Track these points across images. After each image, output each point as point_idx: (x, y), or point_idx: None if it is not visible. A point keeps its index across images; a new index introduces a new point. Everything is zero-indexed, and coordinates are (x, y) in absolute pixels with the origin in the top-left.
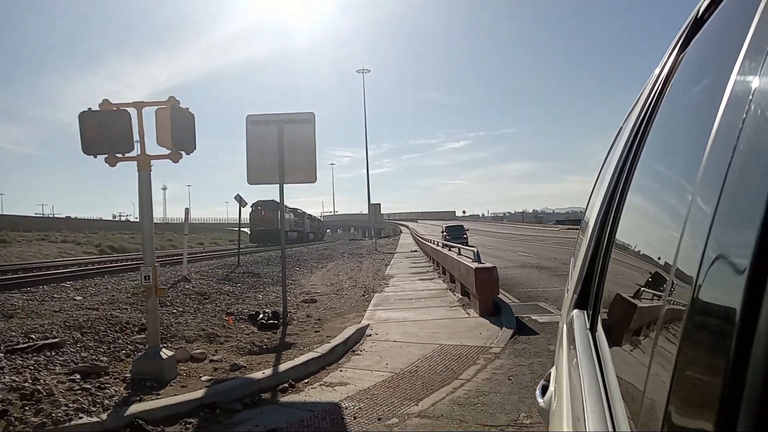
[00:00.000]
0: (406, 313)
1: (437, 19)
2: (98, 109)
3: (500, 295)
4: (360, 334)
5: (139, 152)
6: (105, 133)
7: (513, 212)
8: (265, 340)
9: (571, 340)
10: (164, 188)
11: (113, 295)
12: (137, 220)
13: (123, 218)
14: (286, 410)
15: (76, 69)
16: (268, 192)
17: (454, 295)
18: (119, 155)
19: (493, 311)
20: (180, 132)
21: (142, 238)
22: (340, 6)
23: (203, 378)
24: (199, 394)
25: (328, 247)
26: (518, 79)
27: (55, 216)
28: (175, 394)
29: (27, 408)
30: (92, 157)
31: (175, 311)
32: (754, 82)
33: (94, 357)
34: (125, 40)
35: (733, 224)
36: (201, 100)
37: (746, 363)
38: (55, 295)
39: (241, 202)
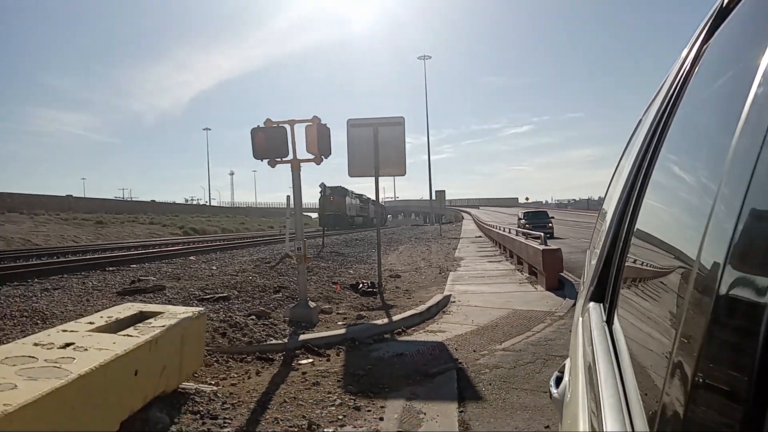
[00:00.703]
0: (481, 287)
1: (498, 1)
2: (263, 125)
3: (563, 274)
4: (446, 301)
5: (292, 157)
6: (269, 143)
7: (578, 199)
8: (370, 303)
9: (587, 333)
10: (231, 173)
11: (240, 267)
12: (206, 203)
13: (194, 202)
14: (404, 344)
15: (147, 61)
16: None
17: (522, 274)
18: (278, 159)
19: (558, 286)
20: (322, 142)
21: (295, 220)
22: None
23: (339, 323)
24: (341, 331)
25: (394, 232)
26: (585, 61)
27: (133, 199)
28: (325, 332)
29: (236, 332)
30: (259, 160)
31: (292, 279)
32: None
33: (254, 307)
34: (193, 32)
35: (760, 220)
36: (263, 87)
37: None
38: (191, 266)
39: (325, 189)
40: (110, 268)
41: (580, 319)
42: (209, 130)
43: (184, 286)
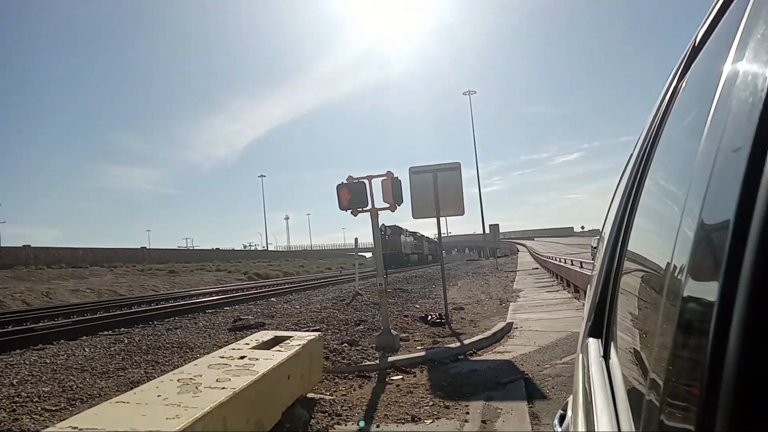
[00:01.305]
0: (540, 314)
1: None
2: (346, 182)
3: None
4: (509, 327)
5: (371, 206)
6: (351, 196)
7: None
8: (440, 332)
9: (586, 369)
10: (287, 218)
11: (320, 305)
12: (264, 248)
13: (252, 247)
14: (476, 363)
15: (202, 113)
16: (390, 218)
17: (579, 301)
18: (359, 209)
19: None
20: (396, 192)
21: (375, 259)
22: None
23: (418, 348)
24: (422, 353)
25: (450, 267)
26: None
27: (197, 248)
28: (408, 354)
29: (336, 356)
30: (346, 212)
31: (368, 314)
32: (751, 105)
33: (344, 336)
34: (244, 84)
35: (742, 247)
36: (312, 130)
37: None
38: (276, 306)
39: (385, 230)
40: (209, 311)
41: (580, 355)
42: (264, 176)
43: (280, 323)
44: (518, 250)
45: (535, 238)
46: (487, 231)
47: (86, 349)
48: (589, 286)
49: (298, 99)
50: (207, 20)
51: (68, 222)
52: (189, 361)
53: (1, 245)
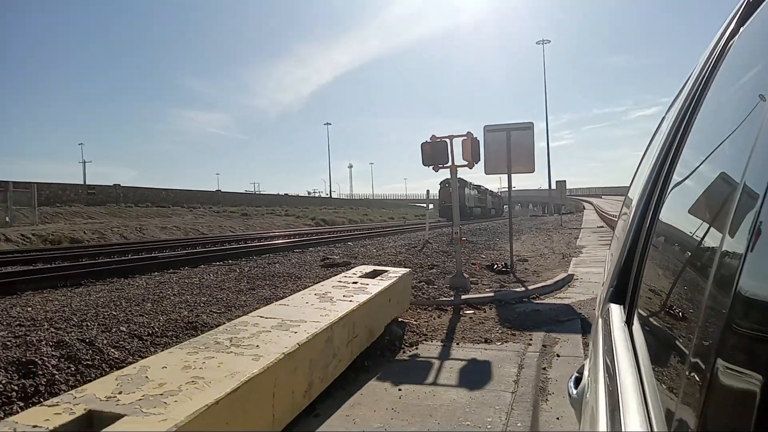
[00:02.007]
0: (601, 269)
1: None
2: (429, 140)
3: None
4: (570, 278)
5: (451, 163)
6: (434, 153)
7: None
8: (505, 279)
9: (607, 334)
10: (350, 166)
11: (394, 250)
12: (327, 196)
13: (316, 194)
14: (538, 305)
15: (270, 59)
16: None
17: None
18: (440, 165)
19: None
20: (474, 151)
21: (453, 212)
22: None
23: (486, 290)
24: (490, 294)
25: (514, 222)
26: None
27: (263, 193)
28: (478, 294)
29: (416, 292)
30: (428, 167)
31: (439, 260)
32: None
33: (421, 277)
34: (311, 29)
35: None
36: (377, 78)
37: None
38: (355, 249)
39: (445, 182)
40: (296, 250)
41: (600, 319)
42: (329, 125)
43: (363, 262)
44: (584, 208)
45: (603, 196)
46: (553, 187)
47: (211, 275)
48: (610, 251)
49: (365, 46)
50: None
51: (144, 162)
52: (301, 288)
53: (91, 183)
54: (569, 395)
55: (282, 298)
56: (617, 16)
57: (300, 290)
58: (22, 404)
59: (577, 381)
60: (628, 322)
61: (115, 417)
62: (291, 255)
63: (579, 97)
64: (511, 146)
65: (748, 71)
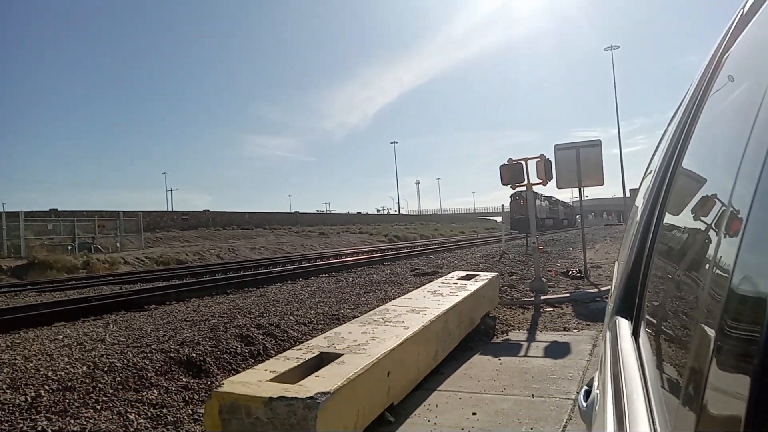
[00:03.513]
0: None
1: None
2: (507, 163)
3: None
4: None
5: (527, 182)
6: (511, 173)
7: None
8: (580, 283)
9: (615, 347)
10: (417, 183)
11: (474, 261)
12: (396, 212)
13: (385, 211)
14: None
15: (335, 82)
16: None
17: None
18: (517, 184)
19: None
20: (547, 171)
21: (530, 224)
22: None
23: (562, 292)
24: (566, 295)
25: (587, 232)
26: None
27: (337, 212)
28: (555, 295)
29: (501, 295)
30: (508, 187)
31: (517, 268)
32: None
33: (503, 283)
34: (374, 51)
35: None
36: (440, 94)
37: None
38: (438, 261)
39: (516, 194)
40: (386, 263)
41: (608, 332)
42: (396, 143)
43: (450, 271)
44: None
45: None
46: (627, 195)
47: (324, 284)
48: (617, 262)
49: (427, 63)
50: None
51: (217, 188)
52: (405, 291)
53: (181, 210)
54: (579, 408)
55: (394, 298)
56: (682, 16)
57: (408, 292)
58: (261, 358)
59: (587, 394)
60: (635, 335)
61: (338, 355)
62: (382, 267)
63: (651, 100)
64: (580, 162)
65: (744, 82)
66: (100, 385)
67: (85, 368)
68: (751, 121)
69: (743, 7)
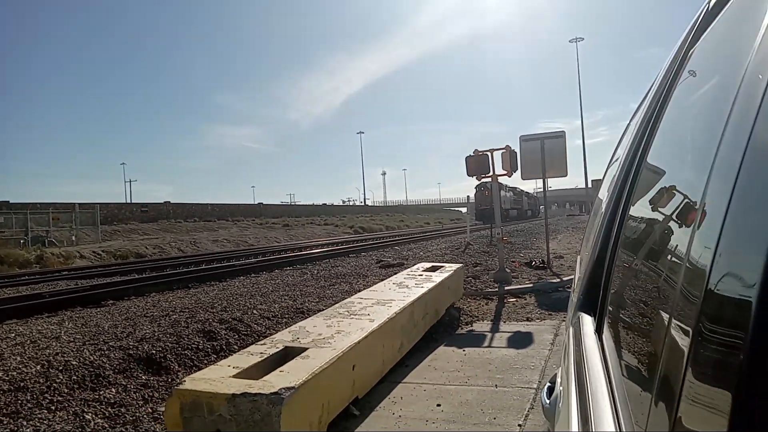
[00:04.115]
0: None
1: None
2: (473, 154)
3: None
4: None
5: (492, 173)
6: (477, 165)
7: None
8: (543, 273)
9: (578, 343)
10: (384, 173)
11: (439, 252)
12: (362, 203)
13: (351, 202)
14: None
15: (299, 72)
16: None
17: None
18: (483, 175)
19: None
20: (512, 162)
21: (495, 215)
22: None
23: (525, 282)
24: (530, 285)
25: (551, 222)
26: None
27: (301, 203)
28: (519, 285)
29: (466, 285)
30: (474, 178)
31: (481, 259)
32: (766, 77)
33: (467, 273)
34: (339, 40)
35: (745, 223)
36: (407, 85)
37: (761, 367)
38: (403, 252)
39: (480, 185)
40: (351, 255)
41: (571, 329)
42: (362, 133)
43: (415, 263)
44: None
45: None
46: (590, 185)
47: (289, 277)
48: (579, 255)
49: (393, 54)
50: None
51: (180, 178)
52: (371, 283)
53: (137, 202)
54: (542, 405)
55: (359, 291)
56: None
57: (373, 284)
58: (224, 354)
59: (550, 390)
60: (599, 331)
61: (303, 349)
62: (347, 259)
63: (614, 92)
64: (545, 154)
65: (709, 75)
66: (54, 384)
67: (38, 367)
68: (723, 116)
69: (708, 3)
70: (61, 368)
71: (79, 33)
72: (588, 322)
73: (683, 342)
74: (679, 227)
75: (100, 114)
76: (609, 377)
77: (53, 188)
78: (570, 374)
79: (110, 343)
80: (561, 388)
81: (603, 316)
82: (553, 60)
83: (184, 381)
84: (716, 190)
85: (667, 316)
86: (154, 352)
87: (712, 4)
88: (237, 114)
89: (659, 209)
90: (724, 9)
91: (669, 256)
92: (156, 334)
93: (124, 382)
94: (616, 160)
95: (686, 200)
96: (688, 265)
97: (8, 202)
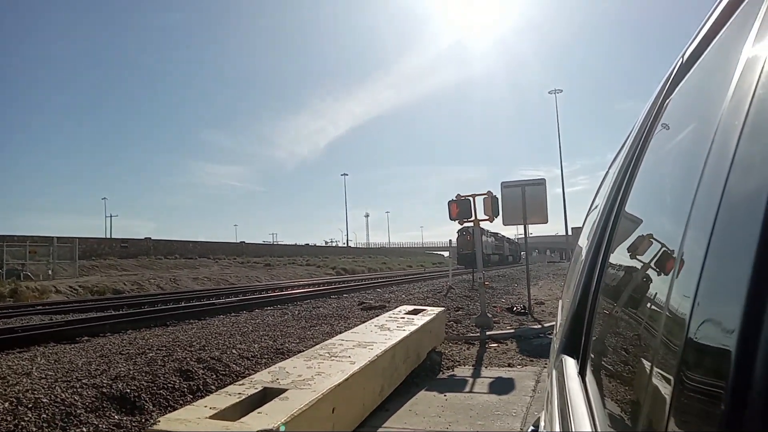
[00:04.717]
0: None
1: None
2: (455, 198)
3: None
4: None
5: (474, 218)
6: (459, 209)
7: None
8: (524, 319)
9: (561, 386)
10: (367, 215)
11: (421, 296)
12: (344, 245)
13: (333, 244)
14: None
15: (286, 112)
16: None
17: None
18: (465, 220)
19: None
20: (494, 208)
21: (477, 259)
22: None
23: (507, 328)
24: (511, 330)
25: (531, 269)
26: None
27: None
28: (500, 331)
29: (447, 330)
30: (456, 222)
31: (463, 303)
32: (739, 127)
33: (448, 317)
34: (326, 83)
35: (722, 272)
36: (391, 129)
37: (741, 417)
38: (385, 295)
39: (462, 230)
40: (333, 297)
41: (554, 371)
42: (346, 175)
43: (397, 305)
44: None
45: None
46: (570, 233)
47: (269, 317)
48: (561, 301)
49: (379, 98)
50: (286, 20)
51: (163, 215)
52: (353, 325)
53: (117, 237)
54: None
55: (340, 333)
56: (625, 63)
57: (354, 326)
58: (201, 394)
59: None
60: (582, 374)
61: (282, 390)
62: (329, 300)
63: (592, 143)
64: (526, 200)
65: (684, 127)
66: (23, 422)
67: (6, 404)
68: (699, 166)
69: (682, 56)
70: (30, 406)
71: (63, 65)
72: (571, 364)
73: (665, 390)
74: (658, 275)
75: (82, 147)
76: (593, 420)
77: (31, 221)
78: (554, 416)
79: (83, 381)
80: (545, 431)
81: (586, 359)
82: (535, 109)
83: (159, 421)
84: (693, 239)
85: (649, 363)
86: (128, 390)
87: (686, 57)
88: (222, 151)
89: (638, 257)
90: (698, 61)
91: (649, 304)
92: (131, 373)
93: (95, 422)
94: (595, 208)
95: (664, 249)
96: (668, 313)
97: None
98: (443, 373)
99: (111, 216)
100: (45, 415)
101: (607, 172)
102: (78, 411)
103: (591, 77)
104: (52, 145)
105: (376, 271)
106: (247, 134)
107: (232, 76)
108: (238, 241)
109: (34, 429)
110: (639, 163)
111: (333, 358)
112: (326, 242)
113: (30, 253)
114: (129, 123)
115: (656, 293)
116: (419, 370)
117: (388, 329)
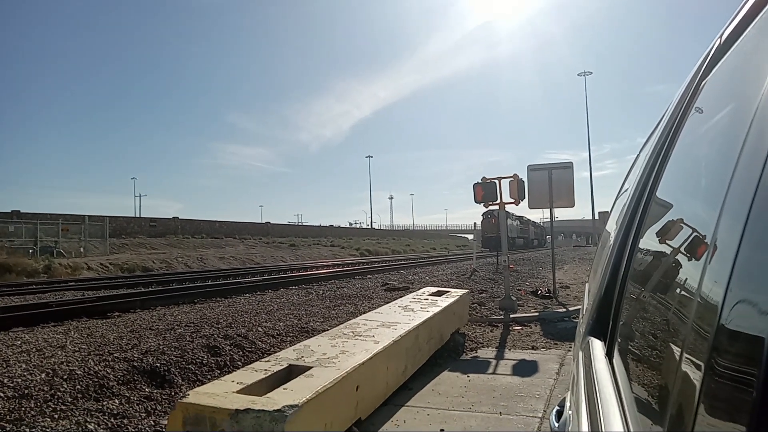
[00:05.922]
0: None
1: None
2: (481, 181)
3: None
4: None
5: (499, 201)
6: (485, 192)
7: None
8: (548, 303)
9: (588, 367)
10: (391, 198)
11: (445, 278)
12: (368, 227)
13: (357, 225)
14: (577, 322)
15: (310, 95)
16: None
17: None
18: (490, 203)
19: None
20: (519, 191)
21: (502, 243)
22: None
23: (531, 311)
24: (535, 314)
25: (557, 253)
26: None
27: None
28: (524, 314)
29: (471, 312)
30: (481, 205)
31: (487, 286)
32: None
33: (473, 300)
34: (350, 66)
35: (757, 259)
36: (416, 111)
37: None
38: (409, 276)
39: (487, 213)
40: (357, 277)
41: (580, 353)
42: (371, 157)
43: (421, 287)
44: None
45: None
46: (597, 217)
47: (294, 296)
48: (588, 284)
49: (404, 81)
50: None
51: (189, 195)
52: (376, 306)
53: (146, 216)
54: (551, 428)
55: (364, 313)
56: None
57: (378, 306)
58: (228, 370)
59: (559, 414)
60: (609, 355)
61: (307, 368)
62: (353, 281)
63: (621, 126)
64: (552, 184)
65: (720, 110)
66: (58, 393)
67: (43, 375)
68: (735, 150)
69: (720, 36)
70: (65, 377)
71: (94, 49)
72: (598, 346)
73: (695, 376)
74: (689, 261)
75: (113, 128)
76: (621, 402)
77: (63, 200)
78: (580, 398)
79: (115, 355)
80: (570, 412)
81: (614, 342)
82: (562, 91)
83: (188, 394)
84: (727, 225)
85: (679, 349)
86: (158, 365)
87: (724, 37)
88: (247, 133)
89: (668, 242)
90: (737, 42)
91: (679, 290)
92: (161, 348)
93: (127, 394)
94: (625, 192)
95: (696, 234)
96: (699, 299)
97: (19, 211)
98: (466, 355)
99: (140, 195)
100: (79, 386)
101: (638, 156)
102: (110, 383)
103: (621, 60)
104: (84, 128)
105: (399, 252)
106: (272, 117)
107: (258, 60)
108: (264, 222)
109: (69, 399)
110: (672, 146)
111: (357, 337)
112: (350, 224)
113: (62, 230)
114: (158, 105)
115: (687, 279)
116: (442, 351)
117: (412, 310)
